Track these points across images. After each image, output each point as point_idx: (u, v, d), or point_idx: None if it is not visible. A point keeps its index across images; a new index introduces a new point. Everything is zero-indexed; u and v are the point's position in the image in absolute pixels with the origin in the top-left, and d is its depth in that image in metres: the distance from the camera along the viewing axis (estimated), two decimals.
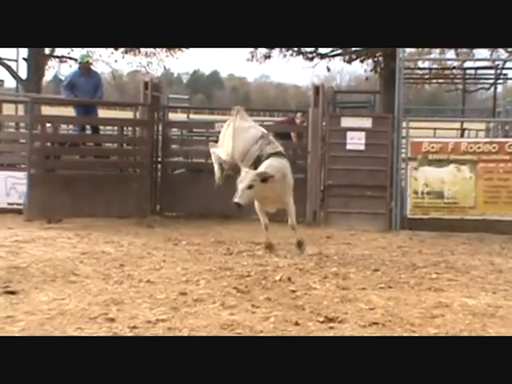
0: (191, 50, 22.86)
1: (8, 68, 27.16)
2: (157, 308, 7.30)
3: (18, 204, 14.81)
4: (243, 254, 10.66)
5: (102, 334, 6.37)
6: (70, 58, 29.16)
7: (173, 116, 16.68)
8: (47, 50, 28.23)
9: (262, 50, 23.10)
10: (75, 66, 21.35)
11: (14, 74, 27.14)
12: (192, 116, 21.68)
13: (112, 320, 6.81)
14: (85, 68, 16.38)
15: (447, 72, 25.22)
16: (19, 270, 8.96)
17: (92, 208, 13.53)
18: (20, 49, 27.24)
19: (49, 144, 15.17)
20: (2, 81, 18.10)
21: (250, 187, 10.07)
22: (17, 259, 9.75)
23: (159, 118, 15.12)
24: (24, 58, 27.33)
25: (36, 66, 27.45)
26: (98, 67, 22.55)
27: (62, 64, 29.94)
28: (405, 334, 6.62)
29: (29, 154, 13.98)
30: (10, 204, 15.13)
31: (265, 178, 9.64)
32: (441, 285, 9.05)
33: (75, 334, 6.31)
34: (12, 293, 7.87)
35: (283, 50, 22.93)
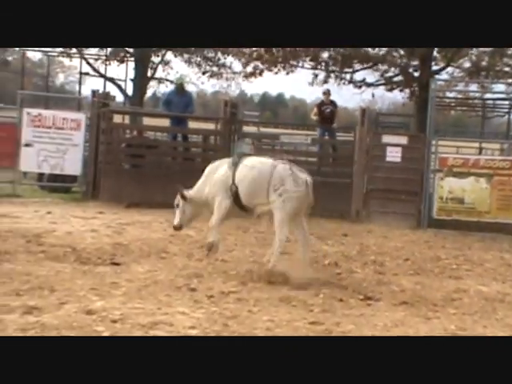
0: (263, 75, 22.78)
1: (119, 86, 27.53)
2: (229, 282, 7.34)
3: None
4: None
5: (185, 299, 6.43)
6: (167, 80, 29.34)
7: (246, 129, 16.62)
8: (149, 73, 28.46)
9: (321, 77, 23.07)
10: (171, 86, 21.53)
11: (123, 92, 27.49)
12: (261, 129, 21.62)
13: (193, 290, 6.88)
14: (179, 88, 16.52)
15: (470, 101, 24.93)
16: (122, 247, 9.08)
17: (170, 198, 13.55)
18: (128, 71, 27.65)
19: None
20: (114, 96, 18.20)
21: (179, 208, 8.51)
22: (120, 238, 9.87)
23: (235, 130, 15.15)
24: (131, 79, 27.64)
25: (140, 86, 27.70)
26: (189, 87, 22.64)
27: (160, 84, 30.13)
28: (429, 313, 6.58)
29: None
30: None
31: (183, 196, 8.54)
32: (459, 274, 8.97)
33: (165, 299, 6.37)
34: (116, 264, 8.00)
35: (338, 78, 22.83)
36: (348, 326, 5.84)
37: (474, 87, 23.48)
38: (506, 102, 22.78)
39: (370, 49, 21.91)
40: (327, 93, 17.73)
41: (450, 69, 22.25)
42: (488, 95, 22.99)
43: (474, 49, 21.30)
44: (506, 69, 21.10)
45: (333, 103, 17.43)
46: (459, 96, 24.35)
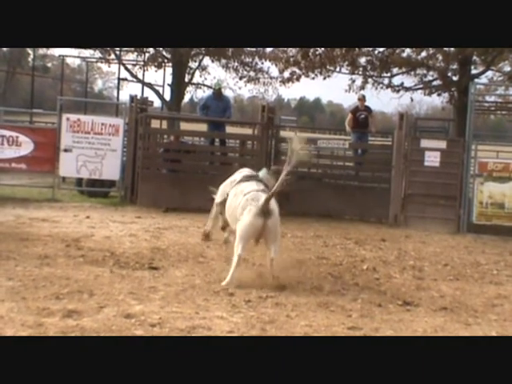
0: (300, 80, 22.76)
1: (156, 92, 27.69)
2: (266, 286, 7.33)
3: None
4: (337, 247, 10.60)
5: (223, 304, 6.45)
6: (204, 85, 29.46)
7: (283, 133, 16.65)
8: (186, 78, 28.58)
9: (358, 83, 23.02)
10: (207, 92, 21.62)
11: (161, 97, 27.64)
12: (299, 134, 21.61)
13: (231, 294, 6.89)
14: (217, 93, 16.57)
15: (510, 105, 24.74)
16: (160, 251, 9.14)
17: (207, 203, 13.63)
18: (166, 76, 27.82)
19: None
20: (152, 101, 18.33)
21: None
22: (158, 242, 9.93)
23: (273, 134, 15.16)
24: (168, 84, 27.82)
25: (177, 91, 27.81)
26: (226, 92, 22.70)
27: (198, 89, 30.25)
28: (469, 319, 6.52)
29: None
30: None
31: None
32: (500, 279, 8.89)
33: (203, 303, 6.39)
34: (155, 268, 8.05)
35: (375, 83, 22.79)
36: (387, 332, 5.83)
37: None
38: None
39: (408, 53, 21.85)
40: (362, 99, 17.66)
41: (489, 73, 22.10)
42: None
43: None
44: None
45: (367, 109, 17.37)
46: (499, 100, 24.18)
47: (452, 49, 20.46)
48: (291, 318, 6.09)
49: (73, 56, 30.22)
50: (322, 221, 13.45)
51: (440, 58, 21.64)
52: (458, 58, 20.58)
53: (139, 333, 5.29)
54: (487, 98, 23.35)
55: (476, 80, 19.93)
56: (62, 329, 5.25)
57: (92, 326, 5.36)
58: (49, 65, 34.22)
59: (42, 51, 30.35)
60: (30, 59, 29.85)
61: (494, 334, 6.03)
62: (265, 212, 7.59)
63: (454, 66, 21.42)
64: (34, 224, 10.98)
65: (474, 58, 21.18)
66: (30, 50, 29.30)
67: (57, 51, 29.80)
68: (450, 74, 21.81)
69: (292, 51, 21.64)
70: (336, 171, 16.12)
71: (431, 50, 21.55)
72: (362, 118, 17.05)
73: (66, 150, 14.61)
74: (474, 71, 21.42)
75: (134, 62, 28.61)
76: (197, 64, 29.33)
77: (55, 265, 7.87)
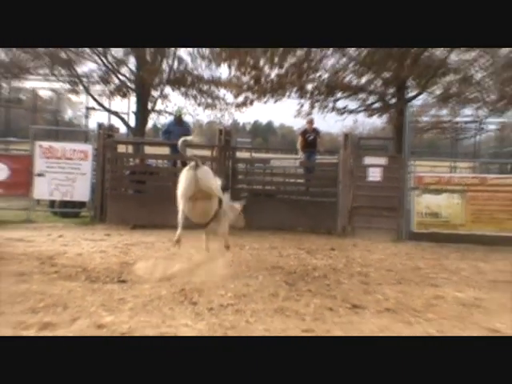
0: (253, 105, 22.83)
1: (122, 119, 27.58)
2: (227, 295, 7.32)
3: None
4: (290, 257, 10.62)
5: (187, 312, 6.42)
6: (166, 112, 29.40)
7: (239, 154, 16.68)
8: (149, 106, 28.54)
9: (306, 107, 23.15)
10: (170, 118, 21.58)
11: (126, 124, 27.56)
12: (253, 154, 21.69)
13: (195, 303, 6.86)
14: (178, 119, 16.62)
15: (442, 125, 25.07)
16: (128, 266, 9.06)
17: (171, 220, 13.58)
18: (130, 104, 27.75)
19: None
20: (118, 128, 18.25)
21: None
22: (126, 257, 9.85)
23: (230, 155, 15.18)
24: (133, 112, 27.76)
25: (141, 118, 27.74)
26: (186, 118, 22.67)
27: (160, 116, 30.18)
28: (411, 319, 6.58)
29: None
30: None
31: None
32: (438, 282, 8.96)
33: (169, 312, 6.37)
34: (123, 281, 7.99)
35: (322, 107, 22.92)
36: (337, 333, 5.85)
37: (445, 112, 23.62)
38: (473, 125, 23.08)
39: (350, 79, 22.05)
40: (310, 122, 17.80)
41: (423, 96, 22.37)
42: (457, 119, 23.20)
43: (443, 77, 21.52)
44: (473, 95, 21.27)
45: (315, 130, 17.49)
46: (432, 120, 24.50)
47: (389, 74, 20.72)
48: (250, 324, 6.08)
49: (44, 88, 30.05)
50: (277, 233, 13.48)
51: (379, 83, 21.89)
52: (395, 82, 20.82)
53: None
54: (422, 119, 23.64)
55: (411, 102, 20.20)
56: None
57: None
58: (22, 97, 33.90)
59: (15, 84, 30.15)
60: (4, 92, 29.57)
61: (433, 331, 6.09)
62: (194, 167, 8.14)
63: (392, 90, 21.66)
64: (10, 244, 10.84)
65: (409, 82, 21.45)
66: (4, 84, 29.08)
67: (29, 84, 29.58)
68: (388, 98, 22.04)
69: (246, 77, 21.70)
70: (288, 187, 16.16)
71: (371, 76, 21.81)
72: (310, 139, 17.17)
73: (39, 175, 14.54)
74: (409, 94, 21.66)
75: (101, 92, 28.50)
76: (159, 93, 29.31)
77: (31, 281, 7.77)
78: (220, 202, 8.76)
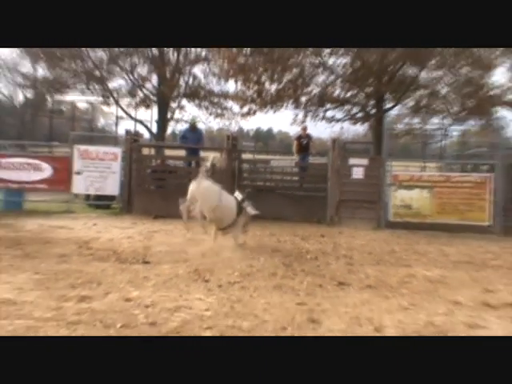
0: (256, 114, 22.82)
1: (146, 126, 27.65)
2: (234, 274, 7.33)
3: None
4: (287, 242, 10.61)
5: (201, 288, 6.44)
6: (182, 120, 29.42)
7: (244, 156, 16.65)
8: (169, 115, 28.58)
9: (300, 117, 23.13)
10: (186, 125, 21.59)
11: (149, 130, 27.59)
12: (256, 156, 21.65)
13: (207, 281, 6.88)
14: (193, 126, 16.63)
15: (414, 131, 25.05)
16: (151, 249, 9.07)
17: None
18: (153, 114, 27.79)
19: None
20: (142, 134, 18.27)
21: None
22: (150, 242, 9.85)
23: (236, 157, 15.17)
24: (155, 120, 27.84)
25: (162, 125, 27.82)
26: (200, 126, 22.66)
27: (177, 124, 30.20)
28: (388, 294, 6.60)
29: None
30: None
31: None
32: (410, 263, 8.96)
33: (185, 289, 6.38)
34: (147, 262, 8.01)
35: (314, 116, 22.88)
36: (326, 305, 5.87)
37: (416, 121, 23.59)
38: (440, 132, 23.11)
39: (338, 93, 22.04)
40: (304, 128, 17.78)
41: (398, 107, 22.35)
42: (427, 126, 23.19)
43: (415, 92, 21.53)
44: (439, 107, 21.26)
45: (308, 136, 17.47)
46: (406, 127, 24.49)
47: (370, 89, 20.70)
48: (253, 298, 6.10)
49: (81, 101, 30.14)
50: (276, 222, 13.45)
51: (361, 96, 21.87)
52: (375, 96, 20.80)
53: (136, 312, 5.28)
54: (397, 126, 23.63)
55: (388, 113, 20.17)
56: (77, 311, 5.23)
57: (100, 308, 5.36)
58: (63, 108, 33.98)
59: (57, 98, 30.24)
60: (48, 104, 29.67)
61: (405, 303, 6.11)
62: (198, 181, 9.02)
63: (372, 102, 21.63)
64: (54, 230, 10.86)
65: (387, 96, 21.42)
66: (48, 97, 29.20)
67: (69, 97, 29.70)
68: (369, 109, 22.01)
69: (250, 91, 21.67)
70: (286, 184, 16.10)
71: (355, 90, 21.79)
72: (304, 143, 17.15)
73: (77, 173, 14.54)
74: (387, 106, 21.64)
75: (128, 104, 28.57)
76: (176, 104, 29.33)
77: (70, 261, 7.81)
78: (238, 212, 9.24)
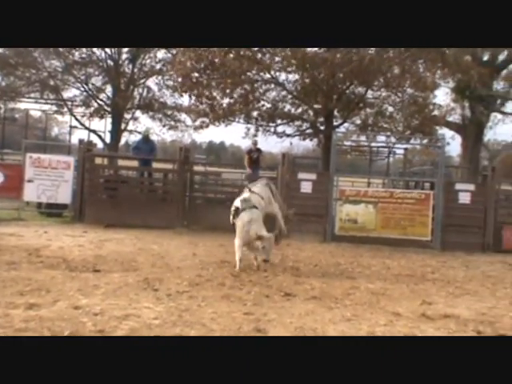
0: (209, 127, 22.66)
1: (99, 136, 27.39)
2: (182, 283, 7.30)
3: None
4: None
5: (150, 297, 6.39)
6: (136, 131, 29.27)
7: (196, 168, 16.63)
8: (122, 126, 28.44)
9: (252, 130, 23.18)
10: (139, 136, 21.43)
11: (103, 140, 27.35)
12: (208, 168, 21.62)
13: (156, 290, 6.83)
14: (146, 138, 16.61)
15: (361, 148, 25.39)
16: (101, 258, 8.98)
17: (138, 221, 13.60)
18: (106, 124, 27.57)
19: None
20: (95, 144, 18.11)
21: None
22: (100, 251, 9.75)
23: (188, 169, 15.14)
24: (109, 131, 27.69)
25: (115, 136, 27.72)
26: (153, 137, 22.49)
27: (131, 135, 30.03)
28: (332, 305, 6.66)
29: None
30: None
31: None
32: (354, 275, 9.12)
33: (134, 297, 6.32)
34: (97, 271, 7.92)
35: (265, 131, 22.93)
36: (272, 315, 5.88)
37: (363, 138, 23.95)
38: (385, 150, 23.54)
39: (288, 109, 22.21)
40: (255, 143, 17.86)
41: (346, 124, 22.63)
42: (373, 144, 23.56)
43: (362, 110, 21.86)
44: (385, 125, 21.63)
45: (259, 150, 17.55)
46: (353, 144, 24.81)
47: (319, 106, 20.93)
48: (201, 307, 6.08)
49: (35, 109, 29.69)
50: (226, 233, 13.44)
51: (311, 113, 22.10)
52: (324, 113, 21.05)
53: (85, 320, 5.20)
54: (345, 143, 23.92)
55: (337, 129, 20.42)
56: (25, 318, 5.12)
57: (49, 316, 5.25)
58: (16, 116, 33.36)
59: (11, 106, 29.70)
60: (0, 111, 29.07)
61: (348, 314, 6.18)
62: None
63: (321, 119, 21.86)
64: (3, 238, 10.63)
65: (335, 113, 21.69)
66: (1, 105, 28.62)
67: (22, 105, 29.22)
68: (318, 125, 22.24)
69: (203, 106, 21.61)
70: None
71: (305, 107, 21.98)
72: (254, 157, 17.20)
73: (29, 181, 14.32)
74: (335, 123, 21.88)
75: (82, 114, 28.26)
76: (130, 115, 29.20)
77: (20, 269, 7.66)
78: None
